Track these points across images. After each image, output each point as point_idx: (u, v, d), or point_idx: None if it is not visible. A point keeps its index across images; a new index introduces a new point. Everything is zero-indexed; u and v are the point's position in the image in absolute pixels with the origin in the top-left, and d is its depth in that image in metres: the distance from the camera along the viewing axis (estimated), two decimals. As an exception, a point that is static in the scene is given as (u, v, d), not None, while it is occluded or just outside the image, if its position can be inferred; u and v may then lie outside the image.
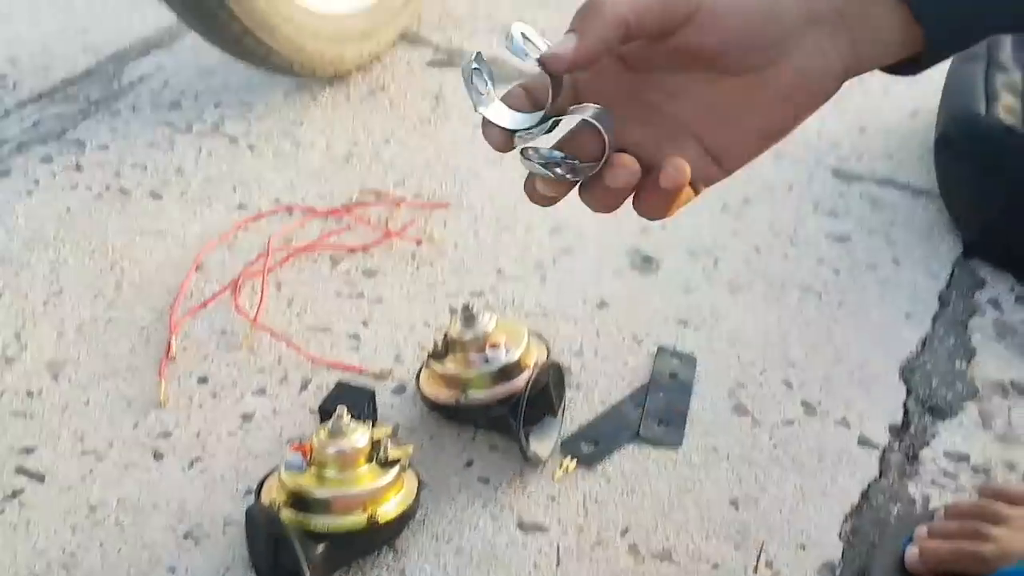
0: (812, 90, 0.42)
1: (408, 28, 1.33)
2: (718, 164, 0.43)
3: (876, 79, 0.46)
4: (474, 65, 0.40)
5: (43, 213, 0.97)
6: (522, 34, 0.39)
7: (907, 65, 0.43)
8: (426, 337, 0.86)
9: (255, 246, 0.95)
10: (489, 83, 0.40)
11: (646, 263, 0.96)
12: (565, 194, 0.42)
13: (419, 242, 0.98)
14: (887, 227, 1.02)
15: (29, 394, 0.78)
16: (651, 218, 0.42)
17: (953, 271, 0.96)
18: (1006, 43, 1.10)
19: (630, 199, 0.42)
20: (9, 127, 1.09)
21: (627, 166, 0.40)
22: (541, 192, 0.41)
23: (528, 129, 0.40)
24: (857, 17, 0.41)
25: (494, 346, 0.75)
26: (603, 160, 0.40)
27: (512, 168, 1.09)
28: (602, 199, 0.41)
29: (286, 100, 1.18)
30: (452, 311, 0.89)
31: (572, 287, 0.93)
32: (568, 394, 0.79)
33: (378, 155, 1.10)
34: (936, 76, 1.24)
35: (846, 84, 0.42)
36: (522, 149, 0.40)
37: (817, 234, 1.01)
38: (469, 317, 0.76)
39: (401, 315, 0.89)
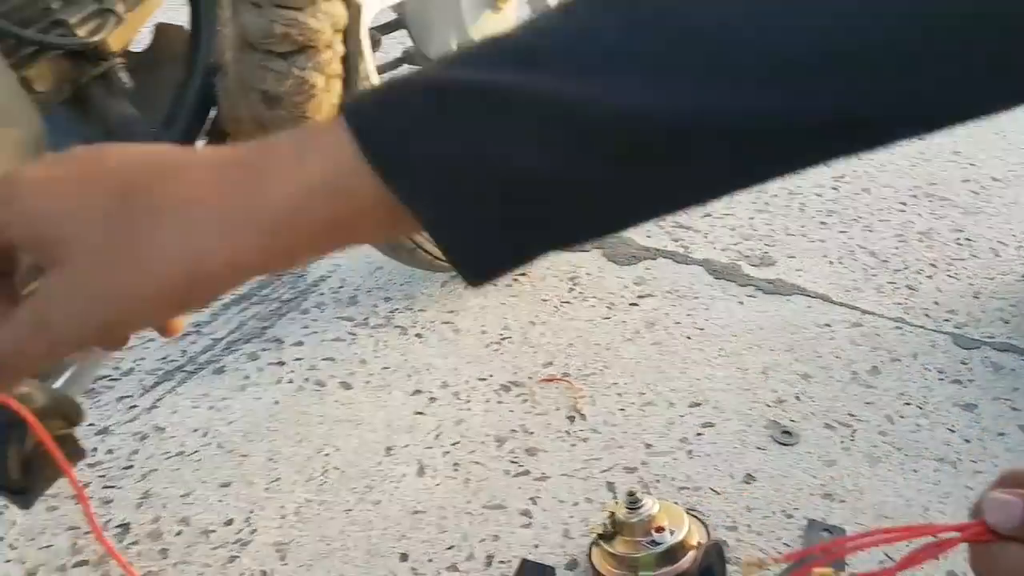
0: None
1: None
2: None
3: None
4: None
5: (256, 406, 1.14)
6: None
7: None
8: (588, 512, 0.96)
9: (431, 428, 1.09)
10: None
11: (786, 436, 1.05)
12: None
13: (571, 419, 1.10)
14: (1011, 393, 1.09)
15: (263, 574, 0.92)
16: None
17: (1083, 438, 1.02)
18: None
19: None
20: (218, 328, 1.28)
21: None
22: None
23: None
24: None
25: (659, 529, 0.86)
26: None
27: (649, 343, 1.21)
28: None
29: (443, 290, 1.34)
30: (610, 487, 1.00)
31: (718, 461, 1.03)
32: (729, 570, 0.88)
33: (526, 338, 1.24)
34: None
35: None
36: None
37: (946, 403, 1.08)
38: (634, 502, 0.87)
39: (564, 492, 1.00)
